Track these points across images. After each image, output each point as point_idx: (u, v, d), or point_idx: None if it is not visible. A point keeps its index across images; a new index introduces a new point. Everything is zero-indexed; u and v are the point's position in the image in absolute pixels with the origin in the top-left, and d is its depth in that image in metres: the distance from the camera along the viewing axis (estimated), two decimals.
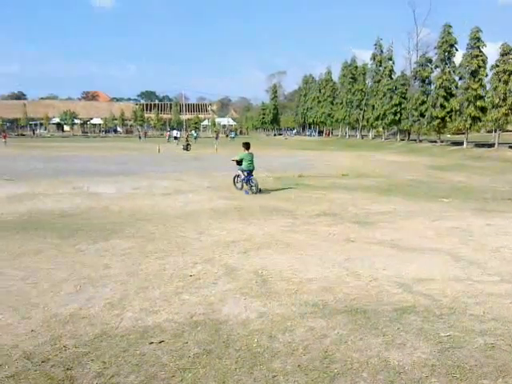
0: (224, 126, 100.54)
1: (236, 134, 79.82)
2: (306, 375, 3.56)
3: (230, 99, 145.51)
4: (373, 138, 64.38)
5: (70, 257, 6.58)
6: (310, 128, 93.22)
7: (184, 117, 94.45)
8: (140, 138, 66.30)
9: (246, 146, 13.80)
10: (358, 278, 5.83)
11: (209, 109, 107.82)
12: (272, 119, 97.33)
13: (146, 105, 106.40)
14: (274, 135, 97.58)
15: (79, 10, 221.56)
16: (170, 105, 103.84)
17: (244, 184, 13.66)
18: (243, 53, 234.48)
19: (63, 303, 4.89)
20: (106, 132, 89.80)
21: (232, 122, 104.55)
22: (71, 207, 10.47)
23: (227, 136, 73.79)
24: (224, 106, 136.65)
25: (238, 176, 13.95)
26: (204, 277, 5.78)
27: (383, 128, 60.60)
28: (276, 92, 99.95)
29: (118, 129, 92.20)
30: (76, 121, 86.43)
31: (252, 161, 13.61)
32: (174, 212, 10.10)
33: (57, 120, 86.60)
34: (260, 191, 13.29)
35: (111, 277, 5.76)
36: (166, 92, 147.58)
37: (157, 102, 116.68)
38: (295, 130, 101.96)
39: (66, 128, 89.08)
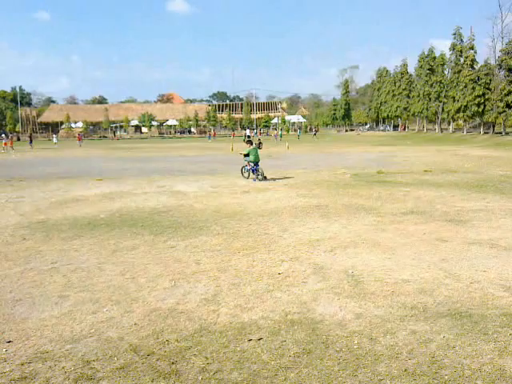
0: (293, 123, 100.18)
1: (315, 132, 78.32)
2: (414, 380, 3.39)
3: (299, 96, 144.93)
4: (453, 132, 61.03)
5: (162, 253, 6.82)
6: (384, 123, 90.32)
7: (254, 116, 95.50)
8: (209, 137, 67.79)
9: (250, 142, 16.58)
10: (457, 279, 5.49)
11: (279, 107, 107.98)
12: (343, 115, 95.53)
13: (219, 105, 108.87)
14: (346, 131, 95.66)
15: (157, 16, 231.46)
16: (241, 104, 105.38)
17: (251, 173, 16.18)
18: (314, 49, 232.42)
19: (161, 298, 5.06)
20: (180, 133, 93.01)
21: (302, 119, 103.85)
22: (158, 205, 10.90)
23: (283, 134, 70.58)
24: (294, 104, 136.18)
25: (244, 167, 16.58)
26: (293, 275, 5.74)
27: (464, 121, 57.25)
28: (348, 87, 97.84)
29: (192, 129, 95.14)
30: (153, 123, 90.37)
31: (257, 153, 16.13)
32: (256, 209, 10.16)
33: (135, 122, 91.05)
34: (265, 179, 15.83)
35: (203, 273, 5.89)
36: (237, 92, 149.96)
37: (228, 102, 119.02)
38: (368, 125, 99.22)
39: (144, 130, 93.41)
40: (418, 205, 10.38)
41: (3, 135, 50.71)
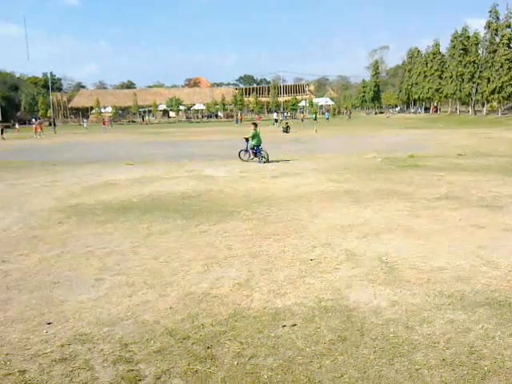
0: (321, 106, 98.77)
1: (349, 115, 76.24)
2: (452, 370, 3.32)
3: (327, 78, 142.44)
4: (487, 114, 59.04)
5: (194, 237, 6.88)
6: (414, 105, 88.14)
7: (281, 99, 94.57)
8: (237, 122, 67.64)
9: (255, 125, 17.58)
10: (495, 267, 5.34)
11: (306, 89, 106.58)
12: (373, 97, 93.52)
13: (245, 89, 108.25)
14: (375, 114, 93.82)
15: (184, 0, 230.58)
16: (268, 88, 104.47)
17: (251, 155, 17.01)
18: (342, 29, 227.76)
19: (195, 282, 5.11)
20: (208, 117, 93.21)
21: (330, 102, 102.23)
22: (188, 189, 10.98)
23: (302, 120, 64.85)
24: (321, 86, 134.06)
25: (243, 150, 17.35)
26: (325, 261, 5.69)
27: (499, 102, 55.26)
28: (377, 68, 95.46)
29: (219, 113, 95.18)
30: (181, 107, 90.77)
31: (259, 137, 16.90)
32: (286, 194, 10.11)
33: (163, 107, 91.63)
34: (268, 161, 16.58)
35: (235, 257, 5.91)
36: (264, 75, 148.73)
37: (255, 85, 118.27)
38: (398, 108, 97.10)
39: (172, 114, 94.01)
40: (452, 190, 10.12)
41: (33, 120, 52.09)
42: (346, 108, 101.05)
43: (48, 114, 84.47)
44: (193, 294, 4.79)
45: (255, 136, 16.80)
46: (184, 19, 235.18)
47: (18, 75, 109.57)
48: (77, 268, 5.63)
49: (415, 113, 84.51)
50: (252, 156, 17.09)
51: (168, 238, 6.85)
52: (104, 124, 57.42)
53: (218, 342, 3.79)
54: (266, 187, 11.17)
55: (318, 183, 11.55)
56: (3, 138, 38.81)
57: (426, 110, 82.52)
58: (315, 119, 60.51)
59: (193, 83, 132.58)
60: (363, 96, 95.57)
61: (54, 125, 52.07)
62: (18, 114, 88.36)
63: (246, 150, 17.42)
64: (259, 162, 16.62)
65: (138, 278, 5.25)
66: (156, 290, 4.93)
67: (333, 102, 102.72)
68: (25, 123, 69.28)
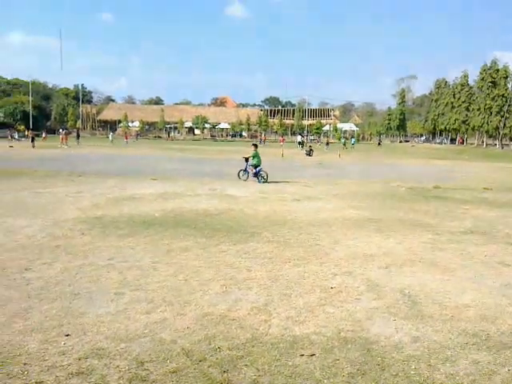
0: (345, 131, 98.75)
1: (379, 141, 74.96)
2: None
3: (352, 104, 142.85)
4: None
5: (214, 256, 6.87)
6: (440, 135, 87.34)
7: (306, 122, 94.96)
8: (260, 142, 67.89)
9: (255, 146, 18.16)
10: None
11: (331, 114, 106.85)
12: (398, 125, 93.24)
13: (270, 110, 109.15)
14: (400, 142, 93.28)
15: (215, 20, 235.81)
16: (293, 110, 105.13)
17: (250, 176, 17.50)
18: (368, 57, 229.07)
19: (213, 303, 5.08)
20: (232, 136, 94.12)
21: (354, 128, 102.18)
22: (210, 207, 11.02)
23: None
24: (346, 112, 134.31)
25: (242, 170, 17.83)
26: (346, 290, 5.60)
27: None
28: (404, 97, 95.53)
29: (243, 133, 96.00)
30: (206, 125, 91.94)
31: (259, 157, 17.49)
32: (306, 219, 10.05)
33: (189, 124, 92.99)
34: (266, 181, 17.11)
35: (254, 280, 5.86)
36: (289, 97, 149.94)
37: (280, 107, 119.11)
38: (424, 137, 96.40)
39: (197, 131, 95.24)
40: (478, 224, 9.90)
41: (60, 130, 53.64)
42: (370, 134, 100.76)
43: (77, 125, 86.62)
44: (211, 314, 4.76)
45: (255, 156, 17.43)
46: (213, 38, 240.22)
47: (50, 86, 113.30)
48: (97, 280, 5.67)
49: (441, 143, 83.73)
50: (252, 175, 17.63)
51: (188, 256, 6.86)
52: (126, 138, 58.96)
53: (235, 366, 3.74)
54: (287, 210, 11.13)
55: (340, 209, 11.46)
56: (33, 146, 39.84)
57: (452, 141, 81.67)
58: (344, 144, 60.02)
59: (219, 102, 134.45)
60: (388, 123, 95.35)
61: (78, 136, 53.53)
62: (48, 123, 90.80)
63: (245, 170, 17.93)
64: (259, 181, 17.19)
65: (156, 295, 5.25)
66: (174, 308, 4.91)
67: (357, 128, 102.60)
68: (54, 132, 71.17)
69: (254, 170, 17.43)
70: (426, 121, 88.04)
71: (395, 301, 5.28)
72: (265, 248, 7.46)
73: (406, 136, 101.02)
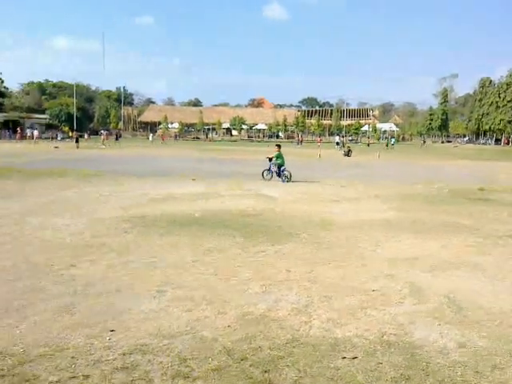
0: (385, 131, 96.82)
1: (423, 141, 72.34)
2: None
3: (392, 104, 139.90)
4: None
5: (253, 256, 6.89)
6: (484, 135, 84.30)
7: (344, 122, 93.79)
8: (298, 143, 67.45)
9: (278, 146, 18.23)
10: None
11: (370, 114, 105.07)
12: (440, 125, 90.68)
13: (308, 111, 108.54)
14: (442, 142, 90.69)
15: (253, 21, 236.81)
16: (331, 111, 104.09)
17: (274, 175, 17.77)
18: (410, 56, 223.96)
19: (253, 302, 5.09)
20: (269, 137, 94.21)
21: (394, 128, 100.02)
22: (248, 208, 11.06)
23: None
24: (386, 112, 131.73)
25: (266, 170, 18.12)
26: (388, 293, 5.48)
27: None
28: (446, 96, 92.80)
29: (280, 134, 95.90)
30: (243, 126, 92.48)
31: (283, 157, 17.78)
32: (346, 220, 9.92)
33: (227, 125, 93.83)
34: (290, 180, 17.39)
35: (293, 281, 5.84)
36: (327, 98, 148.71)
37: (317, 108, 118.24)
38: (467, 138, 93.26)
39: (234, 132, 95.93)
40: None
41: (102, 131, 55.54)
42: (411, 134, 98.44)
43: (119, 127, 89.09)
44: (251, 314, 4.77)
45: (279, 156, 17.73)
46: (251, 39, 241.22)
47: (93, 88, 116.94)
48: (140, 278, 5.80)
49: (485, 144, 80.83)
50: (275, 175, 17.88)
51: (227, 255, 6.91)
52: (163, 139, 60.93)
53: (276, 366, 3.73)
54: (326, 211, 11.02)
55: (381, 211, 11.24)
56: (77, 147, 41.25)
57: (497, 141, 78.69)
58: (387, 145, 58.54)
59: (256, 103, 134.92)
60: (430, 123, 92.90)
61: (117, 137, 55.52)
62: (91, 125, 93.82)
63: (269, 170, 18.14)
64: (282, 181, 17.48)
65: (197, 293, 5.31)
66: (215, 306, 4.95)
67: (397, 128, 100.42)
68: (96, 134, 73.64)
69: (277, 170, 17.76)
70: (470, 121, 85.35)
71: (439, 305, 5.13)
72: (304, 249, 7.41)
73: (447, 136, 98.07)
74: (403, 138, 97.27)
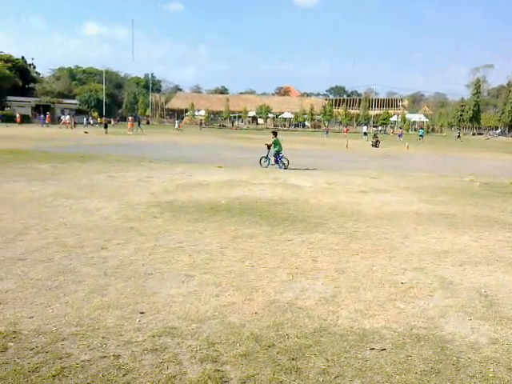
0: (414, 122, 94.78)
1: (458, 134, 69.13)
2: None
3: (422, 94, 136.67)
4: None
5: (279, 245, 6.88)
6: None
7: (372, 112, 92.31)
8: (326, 133, 66.64)
9: (274, 134, 18.59)
10: None
11: (399, 104, 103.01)
12: (471, 117, 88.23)
13: (335, 100, 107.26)
14: (473, 134, 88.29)
15: (282, 9, 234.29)
16: (359, 100, 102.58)
17: (271, 162, 18.04)
18: (442, 44, 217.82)
19: (280, 290, 5.09)
20: (295, 126, 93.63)
21: (424, 119, 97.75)
22: (274, 196, 11.04)
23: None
24: (416, 102, 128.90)
25: (264, 157, 18.31)
26: (417, 286, 5.40)
27: None
28: (479, 87, 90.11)
29: (306, 123, 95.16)
30: (269, 115, 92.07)
31: (280, 144, 18.08)
32: (374, 211, 9.79)
33: (253, 113, 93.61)
34: (286, 168, 17.78)
35: (320, 271, 5.81)
36: (356, 87, 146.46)
37: (345, 97, 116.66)
38: (499, 130, 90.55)
39: (260, 121, 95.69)
40: None
41: (129, 118, 56.17)
42: (441, 126, 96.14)
43: (147, 113, 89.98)
44: (278, 302, 4.77)
45: (277, 143, 17.95)
46: (280, 27, 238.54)
47: (122, 74, 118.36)
48: (168, 262, 5.87)
49: None
50: (273, 162, 18.10)
51: (254, 243, 6.92)
52: (179, 127, 60.77)
53: (303, 355, 3.72)
54: (354, 201, 10.90)
55: (410, 203, 11.05)
56: (106, 133, 41.92)
57: None
58: (421, 135, 56.34)
59: (283, 92, 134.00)
60: (461, 115, 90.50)
61: (139, 123, 55.25)
62: (120, 110, 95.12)
63: (267, 157, 18.35)
64: (279, 167, 17.81)
65: (224, 279, 5.35)
66: (242, 293, 4.98)
67: (427, 119, 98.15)
68: (124, 120, 74.67)
69: (275, 157, 18.03)
70: (503, 113, 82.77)
71: (471, 300, 5.02)
72: (331, 239, 7.36)
73: (479, 128, 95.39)
74: (432, 130, 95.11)
